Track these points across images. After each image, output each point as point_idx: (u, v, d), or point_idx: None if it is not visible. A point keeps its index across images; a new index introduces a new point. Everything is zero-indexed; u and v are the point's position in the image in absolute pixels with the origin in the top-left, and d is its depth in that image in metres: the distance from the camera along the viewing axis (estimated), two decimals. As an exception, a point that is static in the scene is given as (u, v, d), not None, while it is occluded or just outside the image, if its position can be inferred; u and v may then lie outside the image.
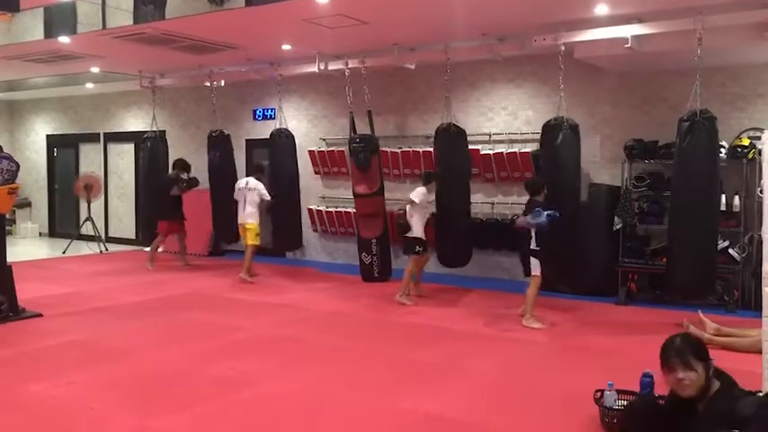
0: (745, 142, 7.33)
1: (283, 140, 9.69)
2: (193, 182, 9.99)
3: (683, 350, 3.00)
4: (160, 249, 10.22)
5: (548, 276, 6.70)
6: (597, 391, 4.01)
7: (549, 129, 7.17)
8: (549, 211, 6.32)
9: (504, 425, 4.07)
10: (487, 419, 4.14)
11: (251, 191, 8.93)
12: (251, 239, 8.96)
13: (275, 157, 9.77)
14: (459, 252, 8.32)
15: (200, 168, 10.40)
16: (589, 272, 7.80)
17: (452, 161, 8.17)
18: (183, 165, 10.02)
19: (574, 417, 4.08)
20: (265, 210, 9.33)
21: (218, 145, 10.26)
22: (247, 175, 9.38)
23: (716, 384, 3.02)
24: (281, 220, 9.67)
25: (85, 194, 12.25)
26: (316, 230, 10.74)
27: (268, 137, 9.91)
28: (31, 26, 8.89)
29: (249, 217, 8.96)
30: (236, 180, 9.57)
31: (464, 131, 8.35)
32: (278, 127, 9.83)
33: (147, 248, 10.33)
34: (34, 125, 14.99)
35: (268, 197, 8.99)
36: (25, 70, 10.71)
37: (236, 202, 9.13)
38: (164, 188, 9.90)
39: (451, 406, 4.34)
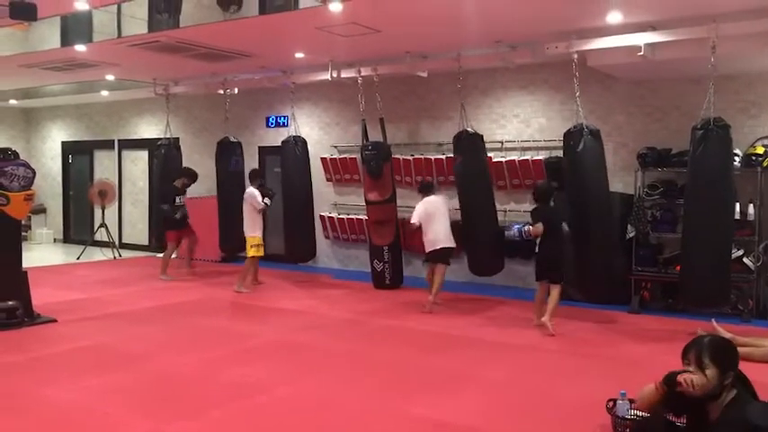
0: (760, 150, 7.29)
1: (293, 147, 9.65)
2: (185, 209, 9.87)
3: (704, 349, 2.97)
4: (173, 256, 9.99)
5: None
6: (610, 400, 4.00)
7: (570, 136, 7.04)
8: (518, 226, 6.98)
9: (516, 433, 4.06)
10: (499, 428, 4.13)
11: (245, 201, 8.74)
12: (247, 251, 8.74)
13: (286, 165, 9.78)
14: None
15: (210, 176, 10.44)
16: (601, 280, 7.77)
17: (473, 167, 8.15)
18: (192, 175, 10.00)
19: (586, 426, 4.07)
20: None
21: (235, 152, 10.19)
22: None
23: (732, 393, 2.97)
24: (291, 229, 9.65)
25: (100, 201, 12.34)
26: (328, 237, 10.76)
27: (280, 144, 9.90)
28: (48, 35, 9.02)
29: (246, 228, 8.75)
30: (243, 188, 9.44)
31: (482, 136, 8.35)
32: (291, 134, 9.82)
33: (160, 255, 10.17)
34: (50, 132, 15.16)
35: (260, 205, 8.63)
36: (42, 78, 10.84)
37: (240, 212, 8.86)
38: (168, 200, 9.69)
39: (463, 413, 4.33)
